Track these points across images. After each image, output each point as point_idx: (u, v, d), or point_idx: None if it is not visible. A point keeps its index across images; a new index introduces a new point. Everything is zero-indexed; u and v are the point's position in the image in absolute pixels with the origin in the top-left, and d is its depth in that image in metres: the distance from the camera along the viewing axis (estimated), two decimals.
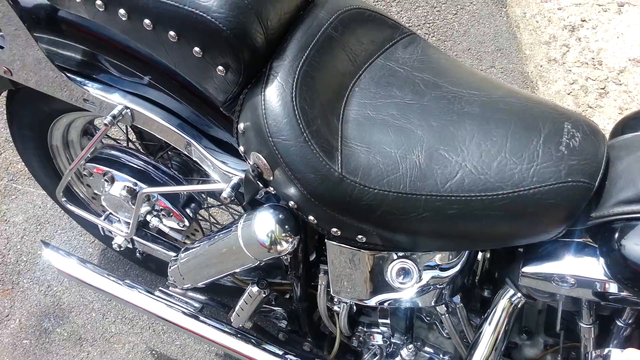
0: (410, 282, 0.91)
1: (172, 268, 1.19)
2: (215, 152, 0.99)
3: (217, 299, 1.36)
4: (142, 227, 1.26)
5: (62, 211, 1.75)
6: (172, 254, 1.29)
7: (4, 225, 1.78)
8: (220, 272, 1.10)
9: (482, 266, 1.06)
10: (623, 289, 0.80)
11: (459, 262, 0.93)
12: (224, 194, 0.93)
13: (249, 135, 0.85)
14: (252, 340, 1.21)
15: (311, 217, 0.86)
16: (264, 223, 0.93)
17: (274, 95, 0.82)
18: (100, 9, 0.84)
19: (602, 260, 0.80)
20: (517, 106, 0.88)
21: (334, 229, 0.86)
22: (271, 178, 0.85)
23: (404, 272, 0.90)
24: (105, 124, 0.97)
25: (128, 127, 1.31)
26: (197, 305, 1.29)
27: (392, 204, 0.80)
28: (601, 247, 0.81)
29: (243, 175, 0.94)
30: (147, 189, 1.09)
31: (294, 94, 0.82)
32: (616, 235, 0.77)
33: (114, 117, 0.98)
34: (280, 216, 0.93)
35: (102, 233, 1.36)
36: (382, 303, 0.99)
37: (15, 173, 1.90)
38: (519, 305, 0.96)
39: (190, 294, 1.32)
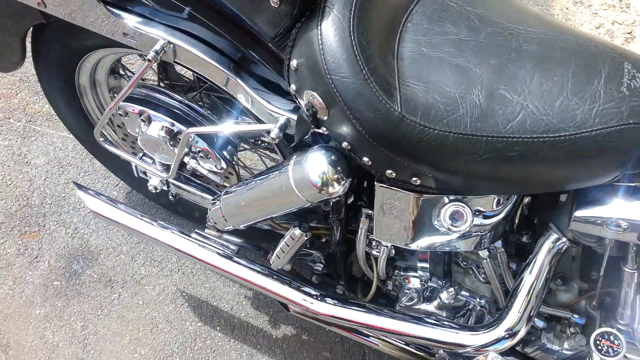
0: (463, 225, 0.88)
1: (213, 209, 1.16)
2: (261, 91, 0.94)
3: (253, 243, 1.34)
4: (178, 169, 1.22)
5: (85, 153, 1.71)
6: (207, 196, 1.27)
7: (26, 167, 1.73)
8: (266, 214, 1.07)
9: (521, 211, 1.05)
10: None
11: (507, 206, 0.91)
12: (272, 134, 0.90)
13: (303, 72, 0.82)
14: (287, 282, 1.20)
15: (365, 159, 0.84)
16: (317, 164, 0.90)
17: (332, 29, 0.78)
18: None
19: None
20: (575, 44, 0.83)
21: (389, 171, 0.84)
22: (326, 117, 0.83)
23: (458, 216, 0.88)
24: (149, 60, 0.91)
25: (159, 65, 1.24)
26: (233, 247, 1.26)
27: (452, 145, 0.78)
28: None
29: (289, 116, 0.91)
30: (192, 129, 1.04)
31: (351, 28, 0.78)
32: None
33: (156, 52, 0.92)
34: (333, 157, 0.90)
35: (137, 174, 1.32)
36: (427, 247, 0.98)
37: (33, 114, 1.84)
38: (562, 250, 0.94)
39: (226, 236, 1.29)
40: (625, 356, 0.91)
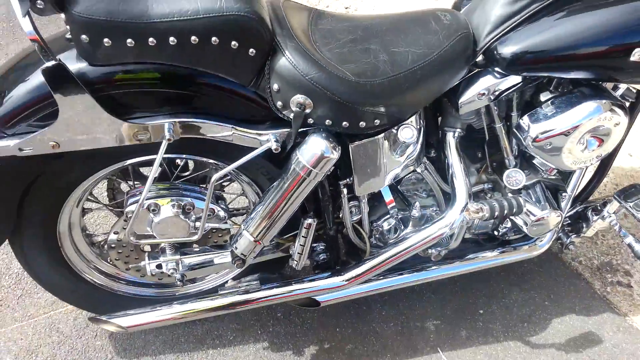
0: (413, 138, 1.23)
1: (241, 243, 1.29)
2: (247, 127, 1.16)
3: (264, 271, 1.50)
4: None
5: (46, 325, 1.64)
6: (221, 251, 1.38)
7: None
8: (292, 212, 1.25)
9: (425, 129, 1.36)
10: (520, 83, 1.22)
11: (421, 125, 1.29)
12: (274, 147, 1.14)
13: (286, 87, 1.09)
14: (313, 278, 1.41)
15: (345, 123, 1.15)
16: (317, 141, 1.16)
17: (294, 52, 1.09)
18: (151, 44, 0.98)
19: (497, 71, 1.22)
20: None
21: (362, 123, 1.16)
22: (311, 109, 1.12)
23: (408, 132, 1.23)
24: (169, 139, 1.08)
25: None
26: (255, 282, 1.43)
27: (389, 87, 1.15)
28: (492, 64, 1.22)
29: (275, 131, 1.16)
30: (217, 174, 1.17)
31: (302, 46, 1.10)
32: (498, 50, 1.19)
33: (170, 130, 1.09)
34: (324, 133, 1.17)
35: (151, 274, 1.36)
36: (394, 179, 1.31)
37: None
38: (460, 136, 1.35)
39: (245, 279, 1.46)
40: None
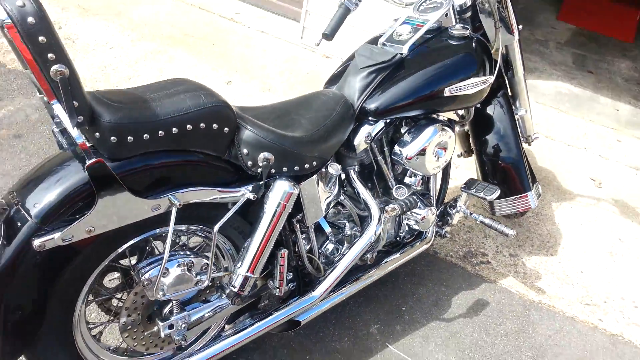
0: (339, 170, 1.68)
1: (237, 279, 1.54)
2: (223, 187, 1.48)
3: (248, 313, 1.76)
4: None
5: None
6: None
7: None
8: (273, 241, 1.56)
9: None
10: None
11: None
12: (251, 196, 1.48)
13: (253, 149, 1.46)
14: (294, 300, 1.73)
15: (296, 167, 1.56)
16: (283, 183, 1.54)
17: (253, 125, 1.48)
18: (160, 135, 1.28)
19: (370, 121, 1.78)
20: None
21: (306, 165, 1.58)
22: (272, 162, 1.50)
23: (335, 166, 1.68)
24: (178, 206, 1.35)
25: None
26: (247, 321, 1.69)
27: (316, 138, 1.61)
28: (366, 117, 1.77)
29: (246, 191, 1.49)
30: (219, 223, 1.43)
31: (256, 122, 1.52)
32: (366, 107, 1.76)
33: (177, 199, 1.36)
34: (283, 178, 1.55)
35: (163, 335, 1.52)
36: (329, 205, 1.74)
37: None
38: (357, 171, 1.85)
39: (238, 321, 1.72)
40: None
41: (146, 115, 1.31)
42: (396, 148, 1.88)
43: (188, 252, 1.54)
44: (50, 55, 1.11)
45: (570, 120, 3.77)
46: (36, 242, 1.23)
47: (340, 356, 1.98)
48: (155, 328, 1.54)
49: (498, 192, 2.11)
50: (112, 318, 1.60)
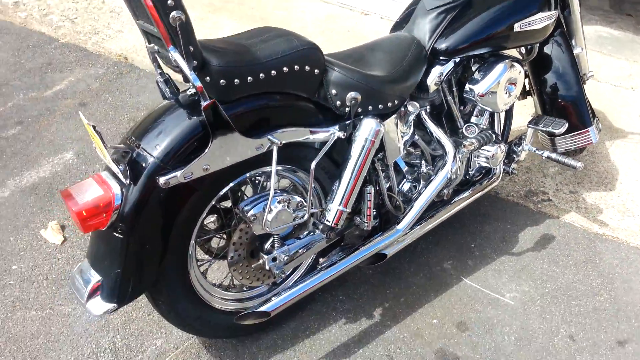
0: (418, 108, 1.74)
1: (330, 214, 1.60)
2: (316, 127, 1.53)
3: (338, 248, 1.82)
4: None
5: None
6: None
7: None
8: (363, 177, 1.61)
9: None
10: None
11: None
12: (341, 135, 1.54)
13: (341, 90, 1.51)
14: (375, 239, 1.77)
15: (380, 106, 1.60)
16: (371, 121, 1.58)
17: (339, 67, 1.53)
18: (261, 78, 1.35)
19: (441, 61, 1.81)
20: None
21: (389, 104, 1.62)
22: (359, 101, 1.55)
23: (414, 105, 1.73)
24: (278, 144, 1.40)
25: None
26: (340, 254, 1.75)
27: (396, 77, 1.66)
28: (437, 57, 1.80)
29: (336, 130, 1.54)
30: (315, 159, 1.49)
31: (342, 63, 1.57)
32: (437, 47, 1.79)
33: (277, 139, 1.41)
34: (369, 116, 1.60)
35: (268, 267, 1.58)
36: (406, 142, 1.79)
37: None
38: (429, 111, 1.89)
39: (330, 254, 1.79)
40: None
41: (249, 59, 1.37)
42: (468, 86, 1.90)
43: (283, 191, 1.61)
44: (170, 1, 1.16)
45: (614, 62, 3.72)
46: (161, 180, 1.30)
47: (418, 290, 2.05)
48: (261, 261, 1.62)
49: (566, 126, 2.12)
50: (219, 254, 1.68)
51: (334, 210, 1.63)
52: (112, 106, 2.91)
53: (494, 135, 1.94)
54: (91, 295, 1.37)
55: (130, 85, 3.11)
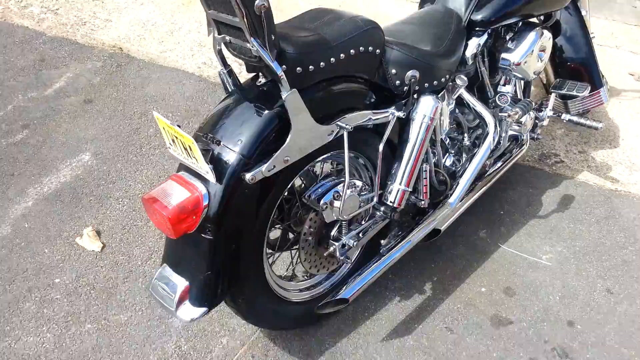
0: (466, 81, 1.67)
1: (392, 194, 1.53)
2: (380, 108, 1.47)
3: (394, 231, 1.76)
4: None
5: None
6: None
7: None
8: (423, 155, 1.57)
9: None
10: None
11: None
12: (401, 114, 1.48)
13: (400, 69, 1.45)
14: (430, 216, 1.74)
15: (435, 82, 1.55)
16: (429, 98, 1.53)
17: (398, 45, 1.47)
18: (332, 61, 1.28)
19: (477, 32, 1.75)
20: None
21: (442, 79, 1.57)
22: (417, 79, 1.48)
23: (463, 78, 1.66)
24: (349, 129, 1.33)
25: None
26: (400, 234, 1.70)
27: (445, 52, 1.60)
28: (473, 28, 1.74)
29: (394, 110, 1.48)
30: (382, 143, 1.43)
31: (399, 41, 1.50)
32: (474, 19, 1.73)
33: (349, 126, 1.34)
34: (426, 93, 1.54)
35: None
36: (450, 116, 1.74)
37: None
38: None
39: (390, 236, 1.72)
40: None
41: (321, 44, 1.28)
42: (503, 55, 1.85)
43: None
44: None
45: (594, 21, 3.72)
46: (248, 176, 1.21)
47: (460, 260, 2.03)
48: (331, 249, 1.56)
49: (589, 88, 2.11)
50: (284, 247, 1.61)
51: (397, 190, 1.57)
52: (119, 101, 2.72)
53: (532, 103, 1.91)
54: (180, 301, 1.28)
55: (132, 78, 2.91)
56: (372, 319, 1.81)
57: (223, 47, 1.27)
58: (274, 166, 1.25)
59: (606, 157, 2.58)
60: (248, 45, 1.14)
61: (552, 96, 2.17)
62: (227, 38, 1.20)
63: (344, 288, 1.55)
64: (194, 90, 2.84)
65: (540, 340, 1.77)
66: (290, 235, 1.58)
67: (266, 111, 1.25)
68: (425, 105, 1.54)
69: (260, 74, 1.31)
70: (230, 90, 1.32)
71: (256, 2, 1.06)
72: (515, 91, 2.05)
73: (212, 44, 1.28)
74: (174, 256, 1.32)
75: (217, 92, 2.85)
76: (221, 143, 1.23)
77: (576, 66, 2.29)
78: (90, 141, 2.48)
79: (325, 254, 1.58)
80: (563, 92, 2.11)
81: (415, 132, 1.54)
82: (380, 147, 1.42)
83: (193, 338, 1.72)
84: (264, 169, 1.22)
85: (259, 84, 1.30)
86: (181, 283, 1.29)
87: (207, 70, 3.01)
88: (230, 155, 1.22)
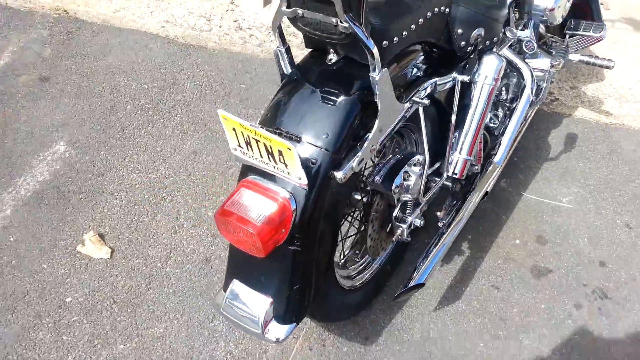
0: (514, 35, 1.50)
1: (455, 165, 1.36)
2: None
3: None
4: None
5: None
6: None
7: None
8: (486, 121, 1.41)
9: None
10: None
11: None
12: (466, 78, 1.29)
13: (466, 27, 1.23)
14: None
15: (495, 38, 1.35)
16: (492, 57, 1.33)
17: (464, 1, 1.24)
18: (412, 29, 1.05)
19: None
20: None
21: (500, 34, 1.37)
22: (484, 32, 1.28)
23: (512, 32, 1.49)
24: (426, 104, 1.15)
25: None
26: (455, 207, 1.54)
27: (500, 5, 1.37)
28: None
29: (457, 75, 1.29)
30: (453, 114, 1.27)
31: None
32: None
33: (426, 100, 1.16)
34: (487, 52, 1.35)
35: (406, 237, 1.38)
36: None
37: None
38: None
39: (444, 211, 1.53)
40: None
41: (404, 10, 1.03)
42: (537, 2, 1.65)
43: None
44: None
45: None
46: (339, 175, 0.99)
47: (490, 215, 1.91)
48: (399, 231, 1.36)
49: (605, 27, 1.97)
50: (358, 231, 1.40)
51: (459, 160, 1.37)
52: (81, 75, 2.26)
53: (567, 47, 1.74)
54: (266, 321, 1.05)
55: (89, 46, 2.42)
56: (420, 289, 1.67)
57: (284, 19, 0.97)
58: (363, 158, 1.02)
59: (596, 91, 2.50)
60: (333, 20, 0.86)
61: (567, 37, 2.01)
62: (300, 12, 0.91)
63: (415, 273, 1.37)
64: (165, 55, 2.42)
65: (579, 285, 1.71)
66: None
67: (346, 95, 1.00)
68: (490, 66, 1.32)
69: (332, 51, 1.03)
70: (287, 71, 1.04)
71: None
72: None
73: (272, 17, 0.97)
74: (246, 271, 1.07)
75: (190, 55, 2.45)
76: (302, 139, 0.96)
77: (578, 2, 2.12)
78: (61, 127, 2.04)
79: (387, 237, 1.38)
80: (579, 32, 1.95)
81: (478, 96, 1.33)
82: (453, 118, 1.20)
83: (242, 340, 1.50)
84: (354, 165, 0.99)
85: (329, 63, 1.01)
86: (262, 301, 1.05)
87: (172, 29, 2.57)
88: (317, 153, 0.98)
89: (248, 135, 0.93)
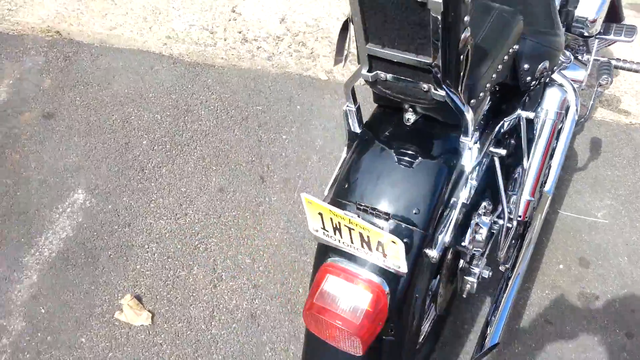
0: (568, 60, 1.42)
1: (522, 208, 1.27)
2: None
3: None
4: None
5: None
6: None
7: None
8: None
9: None
10: None
11: None
12: (531, 115, 1.17)
13: (533, 62, 1.12)
14: None
15: (555, 67, 1.24)
16: (556, 89, 1.27)
17: (532, 34, 1.12)
18: None
19: None
20: None
21: (558, 64, 1.25)
22: (548, 65, 1.16)
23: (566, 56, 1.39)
24: (502, 155, 1.05)
25: None
26: None
27: (559, 34, 1.24)
28: None
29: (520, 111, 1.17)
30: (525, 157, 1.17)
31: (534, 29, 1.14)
32: None
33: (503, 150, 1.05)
34: (551, 85, 1.28)
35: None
36: None
37: None
38: None
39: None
40: None
41: (486, 60, 0.93)
42: (578, 13, 1.52)
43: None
44: (466, 17, 0.71)
45: None
46: (433, 254, 0.87)
47: None
48: (468, 285, 1.26)
49: (637, 30, 1.84)
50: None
51: (522, 202, 1.26)
52: (88, 108, 2.03)
53: (610, 62, 1.62)
54: None
55: (90, 72, 2.17)
56: (473, 331, 1.59)
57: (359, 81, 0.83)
58: (452, 233, 0.90)
59: (611, 89, 2.39)
60: (424, 86, 0.72)
61: (596, 42, 1.87)
62: (382, 75, 0.77)
63: (488, 332, 1.27)
64: (173, 78, 2.20)
65: (627, 311, 1.65)
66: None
67: (430, 160, 0.88)
68: (554, 100, 1.22)
69: (410, 109, 0.90)
70: (357, 130, 0.90)
71: (462, 35, 0.68)
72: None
73: (346, 79, 0.83)
74: None
75: (199, 75, 2.23)
76: (390, 217, 0.83)
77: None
78: (75, 172, 1.84)
79: (452, 291, 1.28)
80: (610, 38, 1.82)
81: (541, 131, 1.21)
82: (525, 162, 1.08)
83: None
84: (447, 240, 0.87)
85: (407, 123, 0.88)
86: None
87: (175, 46, 2.33)
88: (408, 232, 0.86)
89: (339, 222, 0.79)
